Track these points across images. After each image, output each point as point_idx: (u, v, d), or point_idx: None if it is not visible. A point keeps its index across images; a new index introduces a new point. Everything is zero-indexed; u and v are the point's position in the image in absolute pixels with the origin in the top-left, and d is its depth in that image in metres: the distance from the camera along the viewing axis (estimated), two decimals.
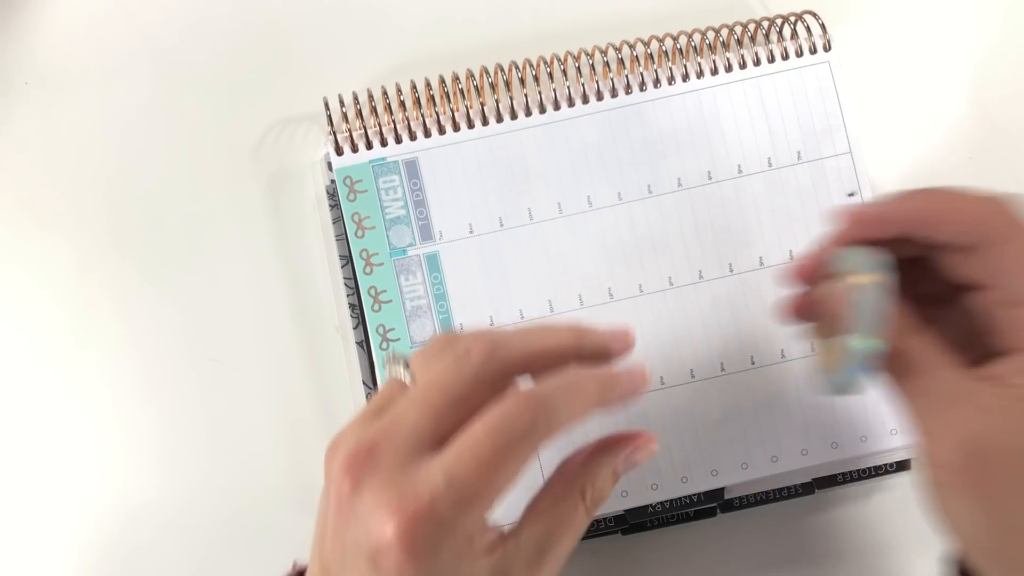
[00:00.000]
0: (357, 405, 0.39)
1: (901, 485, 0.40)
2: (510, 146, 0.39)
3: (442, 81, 0.40)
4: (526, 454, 0.26)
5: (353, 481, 0.25)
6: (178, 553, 0.40)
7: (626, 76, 0.40)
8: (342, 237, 0.39)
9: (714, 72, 0.40)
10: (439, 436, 0.26)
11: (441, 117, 0.39)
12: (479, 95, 0.39)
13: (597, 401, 0.28)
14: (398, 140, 0.39)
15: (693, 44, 0.40)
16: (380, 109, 0.40)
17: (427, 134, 0.39)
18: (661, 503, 0.38)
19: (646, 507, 0.38)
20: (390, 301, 0.39)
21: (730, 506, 0.39)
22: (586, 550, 0.40)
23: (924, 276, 0.29)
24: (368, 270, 0.39)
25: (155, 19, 0.43)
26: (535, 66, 0.40)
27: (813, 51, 0.40)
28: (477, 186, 0.39)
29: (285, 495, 0.40)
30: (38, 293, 0.41)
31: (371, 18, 0.43)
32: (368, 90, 0.40)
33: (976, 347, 0.28)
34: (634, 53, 0.40)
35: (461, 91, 0.40)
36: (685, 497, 0.38)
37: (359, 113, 0.39)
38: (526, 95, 0.39)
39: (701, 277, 0.39)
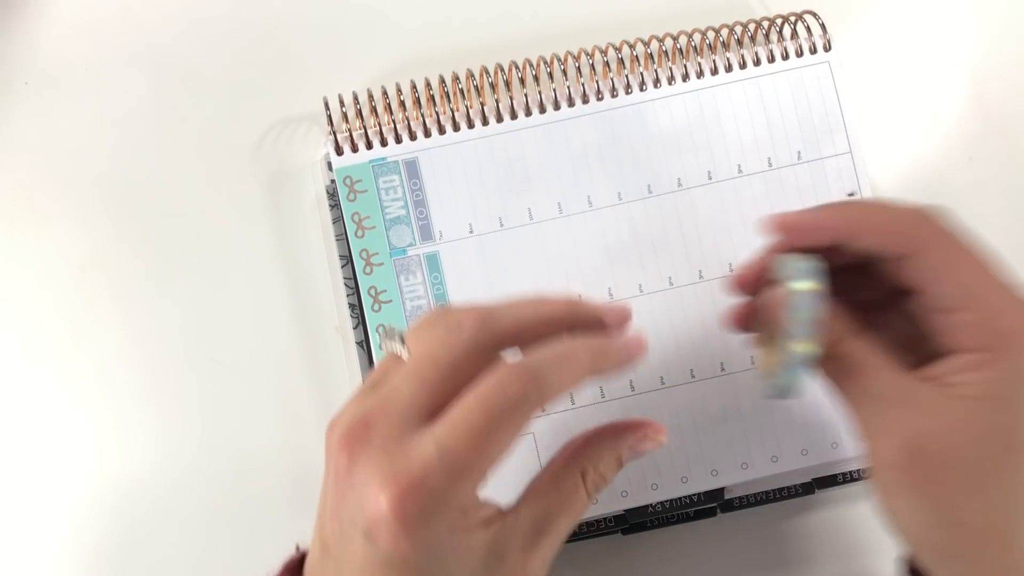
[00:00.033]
0: None
1: None
2: (510, 146, 0.39)
3: (442, 81, 0.40)
4: (518, 424, 0.26)
5: (349, 456, 0.25)
6: (178, 552, 0.40)
7: (626, 76, 0.40)
8: (342, 237, 0.39)
9: (714, 72, 0.40)
10: (433, 408, 0.26)
11: (441, 117, 0.39)
12: (479, 95, 0.39)
13: (590, 370, 0.27)
14: (398, 140, 0.39)
15: (693, 44, 0.40)
16: (380, 109, 0.40)
17: (427, 134, 0.39)
18: (661, 503, 0.38)
19: (646, 507, 0.38)
20: (390, 301, 0.39)
21: (730, 506, 0.39)
22: (586, 550, 0.40)
23: (869, 283, 0.30)
24: (368, 270, 0.39)
25: (155, 19, 0.43)
26: (535, 66, 0.40)
27: (813, 51, 0.40)
28: (477, 186, 0.39)
29: (285, 495, 0.40)
30: (38, 293, 0.41)
31: (371, 18, 0.43)
32: (368, 90, 0.40)
33: (921, 349, 0.29)
34: (634, 53, 0.40)
35: (461, 91, 0.40)
36: (685, 497, 0.38)
37: (359, 113, 0.39)
38: (526, 95, 0.39)
39: (701, 277, 0.39)
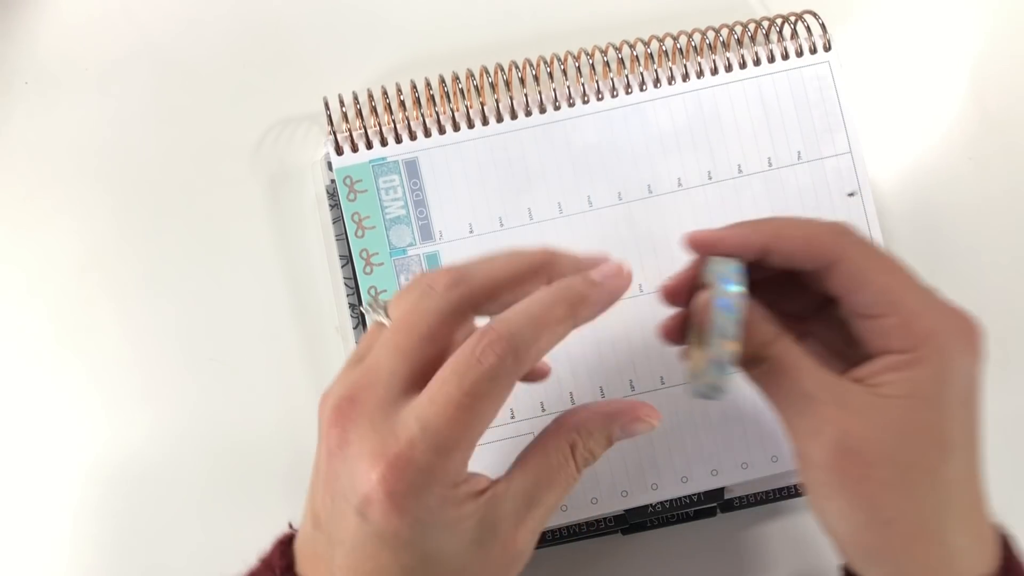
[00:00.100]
0: None
1: None
2: (510, 146, 0.39)
3: (442, 81, 0.40)
4: (499, 395, 0.26)
5: (340, 432, 0.26)
6: (178, 546, 0.40)
7: (626, 76, 0.40)
8: (342, 237, 0.39)
9: (714, 72, 0.40)
10: (415, 376, 0.26)
11: (441, 117, 0.39)
12: (479, 95, 0.39)
13: (570, 322, 0.27)
14: (398, 140, 0.39)
15: (693, 44, 0.40)
16: (380, 109, 0.40)
17: (427, 134, 0.39)
18: (661, 503, 0.38)
19: (646, 507, 0.38)
20: None
21: (730, 506, 0.39)
22: (586, 550, 0.40)
23: (798, 295, 0.31)
24: (368, 270, 0.39)
25: (155, 19, 0.43)
26: (535, 66, 0.40)
27: (813, 51, 0.40)
28: (477, 186, 0.39)
29: (285, 495, 0.40)
30: (38, 293, 0.41)
31: (371, 18, 0.43)
32: (368, 90, 0.40)
33: (851, 357, 0.29)
34: (634, 53, 0.40)
35: (461, 91, 0.40)
36: (685, 497, 0.38)
37: (359, 113, 0.39)
38: (526, 95, 0.39)
39: None
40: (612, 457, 0.38)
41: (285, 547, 0.29)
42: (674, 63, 0.40)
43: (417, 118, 0.39)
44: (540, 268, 0.28)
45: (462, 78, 0.40)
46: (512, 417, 0.38)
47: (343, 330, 0.40)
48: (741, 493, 0.39)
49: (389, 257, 0.39)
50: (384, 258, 0.39)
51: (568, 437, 0.29)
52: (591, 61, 0.40)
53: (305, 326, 0.41)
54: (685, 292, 0.30)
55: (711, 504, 0.39)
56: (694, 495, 0.38)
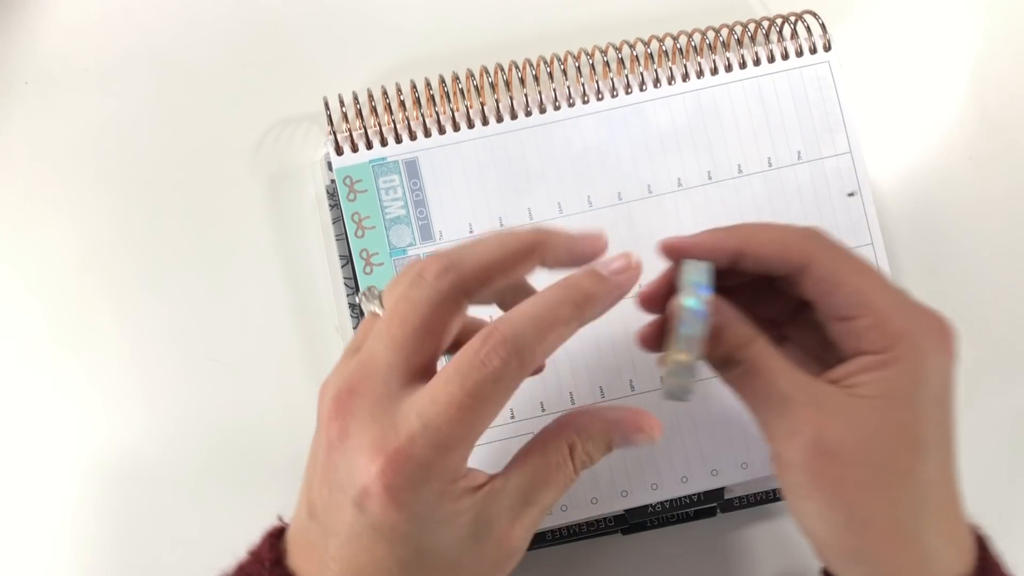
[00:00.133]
0: None
1: None
2: (510, 146, 0.39)
3: (442, 81, 0.40)
4: (502, 396, 0.26)
5: (341, 424, 0.26)
6: (178, 551, 0.40)
7: (626, 76, 0.40)
8: (342, 237, 0.39)
9: (714, 72, 0.40)
10: (413, 368, 0.26)
11: (441, 117, 0.39)
12: (479, 95, 0.39)
13: (576, 323, 0.27)
14: (398, 140, 0.39)
15: (693, 44, 0.40)
16: (380, 109, 0.40)
17: (427, 134, 0.39)
18: (661, 503, 0.38)
19: (646, 507, 0.38)
20: None
21: (730, 506, 0.39)
22: (586, 550, 0.40)
23: (774, 300, 0.31)
24: (368, 270, 0.39)
25: (155, 19, 0.43)
26: (535, 66, 0.40)
27: (813, 51, 0.40)
28: (477, 186, 0.39)
29: (285, 495, 0.40)
30: (38, 293, 0.41)
31: (371, 18, 0.43)
32: (368, 90, 0.40)
33: (827, 360, 0.30)
34: (634, 53, 0.40)
35: (461, 91, 0.40)
36: (685, 497, 0.38)
37: (359, 113, 0.39)
38: (526, 95, 0.39)
39: None
40: (612, 457, 0.38)
41: (274, 540, 0.29)
42: (674, 63, 0.40)
43: (417, 118, 0.39)
44: (532, 249, 0.28)
45: (462, 78, 0.40)
46: (512, 417, 0.38)
47: (343, 330, 0.40)
48: (741, 493, 0.39)
49: (389, 257, 0.39)
50: (384, 258, 0.39)
51: (568, 438, 0.29)
52: (591, 61, 0.40)
53: (305, 326, 0.41)
54: (661, 298, 0.30)
55: (711, 504, 0.39)
56: (694, 495, 0.38)
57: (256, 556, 0.29)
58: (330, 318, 0.41)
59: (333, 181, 0.40)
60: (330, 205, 0.40)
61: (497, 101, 0.39)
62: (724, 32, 0.40)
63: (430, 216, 0.39)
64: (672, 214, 0.39)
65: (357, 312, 0.39)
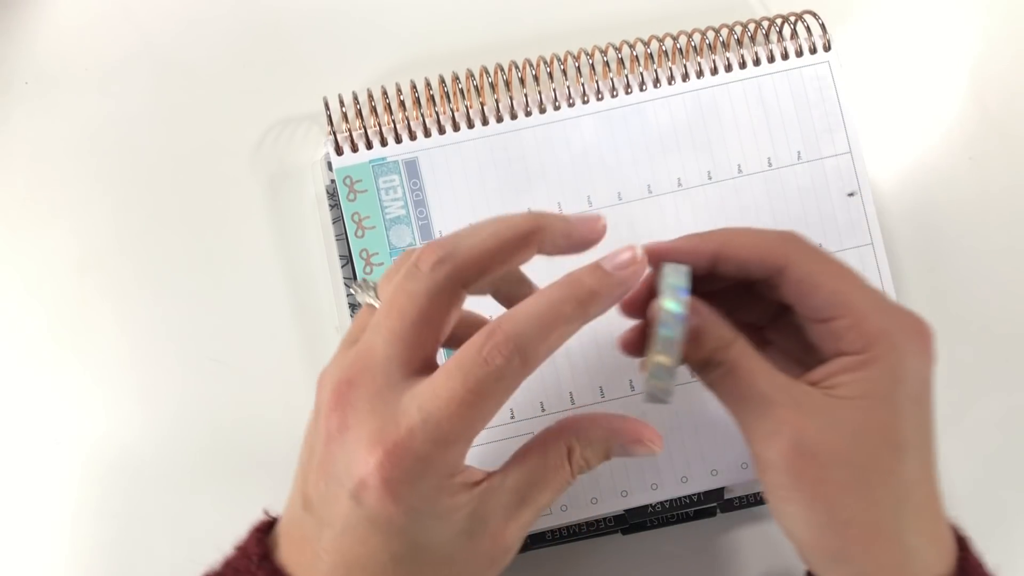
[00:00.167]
0: None
1: None
2: (510, 146, 0.39)
3: (442, 81, 0.40)
4: (503, 394, 0.26)
5: (340, 416, 0.26)
6: (178, 550, 0.40)
7: (626, 76, 0.40)
8: (342, 237, 0.39)
9: (714, 72, 0.40)
10: (412, 361, 0.26)
11: (441, 117, 0.39)
12: (479, 95, 0.39)
13: (579, 321, 0.27)
14: (398, 140, 0.39)
15: (693, 44, 0.40)
16: (380, 109, 0.40)
17: (427, 134, 0.39)
18: (661, 503, 0.38)
19: (646, 507, 0.38)
20: None
21: (730, 506, 0.39)
22: (586, 550, 0.40)
23: (755, 304, 0.32)
24: (368, 270, 0.39)
25: (155, 19, 0.43)
26: (535, 66, 0.40)
27: (813, 51, 0.40)
28: (477, 186, 0.39)
29: (284, 494, 0.40)
30: (37, 293, 0.41)
31: (371, 18, 0.43)
32: (368, 90, 0.40)
33: (808, 362, 0.30)
34: (634, 53, 0.40)
35: (461, 91, 0.40)
36: (685, 497, 0.38)
37: (359, 113, 0.39)
38: (526, 95, 0.39)
39: None
40: None
41: (261, 534, 0.29)
42: (674, 63, 0.40)
43: (417, 118, 0.39)
44: (529, 235, 0.28)
45: (462, 78, 0.40)
46: (512, 417, 0.38)
47: (343, 330, 0.40)
48: (741, 493, 0.39)
49: (389, 257, 0.39)
50: (384, 258, 0.39)
51: (568, 441, 0.29)
52: (591, 61, 0.40)
53: (305, 326, 0.41)
54: (641, 303, 0.30)
55: (711, 504, 0.39)
56: (694, 495, 0.38)
57: (243, 551, 0.29)
58: (330, 318, 0.41)
59: (333, 181, 0.40)
60: (330, 205, 0.40)
61: (497, 101, 0.39)
62: (724, 32, 0.40)
63: (430, 216, 0.39)
64: (672, 214, 0.39)
65: (357, 312, 0.39)
